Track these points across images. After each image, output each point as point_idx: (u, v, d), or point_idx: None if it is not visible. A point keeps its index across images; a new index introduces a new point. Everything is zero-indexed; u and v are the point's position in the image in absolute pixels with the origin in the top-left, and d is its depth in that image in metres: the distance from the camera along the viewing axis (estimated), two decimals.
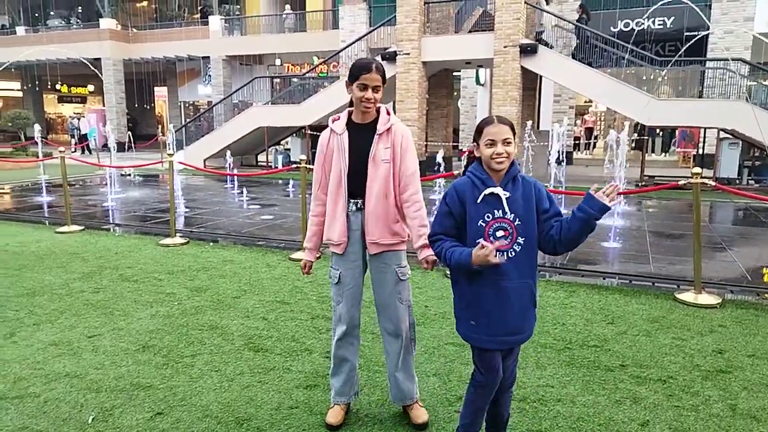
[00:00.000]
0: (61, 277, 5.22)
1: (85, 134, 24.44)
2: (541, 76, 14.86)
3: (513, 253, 2.12)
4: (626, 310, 4.31)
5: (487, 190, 2.12)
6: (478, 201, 2.13)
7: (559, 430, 2.64)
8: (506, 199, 2.11)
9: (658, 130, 20.34)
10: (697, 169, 4.43)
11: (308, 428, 2.66)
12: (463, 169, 2.33)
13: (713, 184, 4.67)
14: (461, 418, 2.35)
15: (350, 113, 2.60)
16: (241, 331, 3.88)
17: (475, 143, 2.19)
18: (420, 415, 2.66)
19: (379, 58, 14.17)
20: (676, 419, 2.74)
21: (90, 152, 22.37)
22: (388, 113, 2.57)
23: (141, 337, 3.77)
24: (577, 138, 21.26)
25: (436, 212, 2.27)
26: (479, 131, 2.15)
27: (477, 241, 2.08)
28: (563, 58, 13.24)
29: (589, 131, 22.69)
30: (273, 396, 2.97)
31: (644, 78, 14.02)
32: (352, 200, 2.57)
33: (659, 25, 17.48)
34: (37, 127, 12.55)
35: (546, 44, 13.57)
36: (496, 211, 2.12)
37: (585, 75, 12.68)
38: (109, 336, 3.79)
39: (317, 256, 2.78)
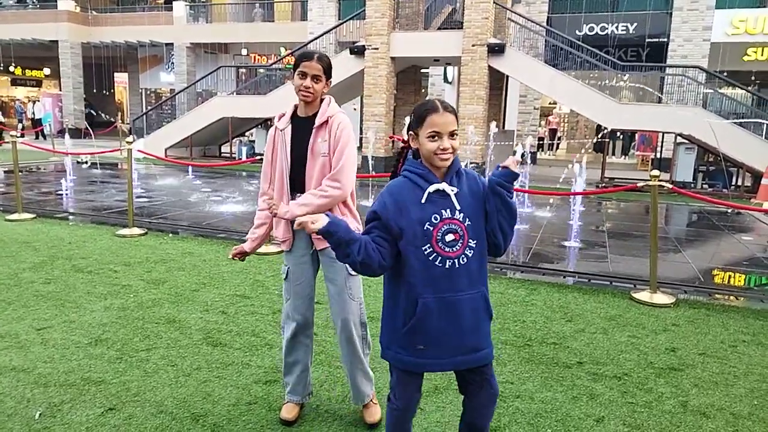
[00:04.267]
0: (10, 266, 5.00)
1: (40, 119, 23.53)
2: (507, 76, 15.03)
3: (464, 260, 1.84)
4: (584, 308, 4.39)
5: (432, 187, 1.83)
6: (423, 201, 1.82)
7: (518, 426, 2.67)
8: (455, 195, 1.84)
9: (618, 133, 20.90)
10: (656, 172, 4.54)
11: (266, 424, 2.61)
12: (395, 163, 2.01)
13: (670, 186, 4.80)
14: None
15: (296, 107, 2.57)
16: (199, 325, 3.78)
17: (412, 133, 1.89)
18: (372, 413, 2.63)
19: (347, 52, 14.11)
20: (630, 415, 2.80)
21: (45, 138, 21.55)
22: (329, 104, 2.51)
23: (94, 330, 3.64)
24: (541, 138, 21.63)
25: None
26: (420, 119, 1.84)
27: (423, 248, 1.81)
28: (530, 59, 13.42)
29: (552, 132, 23.13)
30: (231, 391, 2.90)
31: (607, 82, 14.37)
32: (299, 193, 2.50)
33: (622, 30, 17.91)
34: None
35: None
36: (443, 211, 1.82)
37: (550, 77, 12.88)
38: (59, 329, 3.64)
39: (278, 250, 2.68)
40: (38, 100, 25.58)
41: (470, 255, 1.85)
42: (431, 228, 1.82)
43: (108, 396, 2.82)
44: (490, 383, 1.98)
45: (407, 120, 2.25)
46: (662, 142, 15.17)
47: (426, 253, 1.82)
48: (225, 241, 6.29)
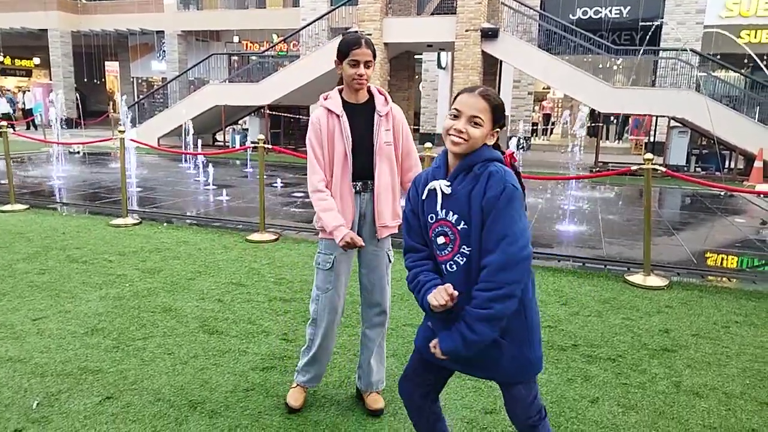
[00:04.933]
0: (4, 257, 4.97)
1: (30, 109, 23.30)
2: (501, 61, 14.97)
3: (453, 267, 1.69)
4: (579, 291, 4.42)
5: (430, 185, 1.73)
6: (424, 197, 1.75)
7: None
8: (443, 194, 1.70)
9: (612, 118, 20.91)
10: (649, 156, 4.55)
11: (264, 410, 2.62)
12: None
13: (663, 170, 4.81)
14: None
15: (340, 91, 2.50)
16: (195, 313, 3.79)
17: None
18: (378, 400, 2.64)
19: (340, 38, 14.01)
20: (624, 396, 2.83)
21: (35, 128, 21.36)
22: (382, 93, 2.51)
23: (89, 319, 3.64)
24: (535, 124, 21.61)
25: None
26: (454, 99, 1.75)
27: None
28: (523, 44, 13.36)
29: (546, 117, 23.10)
30: (228, 378, 2.92)
31: (600, 66, 14.34)
32: (354, 182, 2.46)
33: (615, 14, 17.83)
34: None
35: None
36: (439, 211, 1.71)
37: (544, 61, 12.84)
38: (55, 319, 3.64)
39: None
40: (28, 90, 25.30)
41: (461, 263, 1.68)
42: (427, 228, 1.74)
43: (105, 385, 2.82)
44: (514, 399, 1.82)
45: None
46: (656, 126, 15.19)
47: None
48: (220, 230, 6.28)
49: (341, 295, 2.59)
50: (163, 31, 23.50)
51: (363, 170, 2.47)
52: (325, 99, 2.50)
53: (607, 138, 21.45)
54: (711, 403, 2.78)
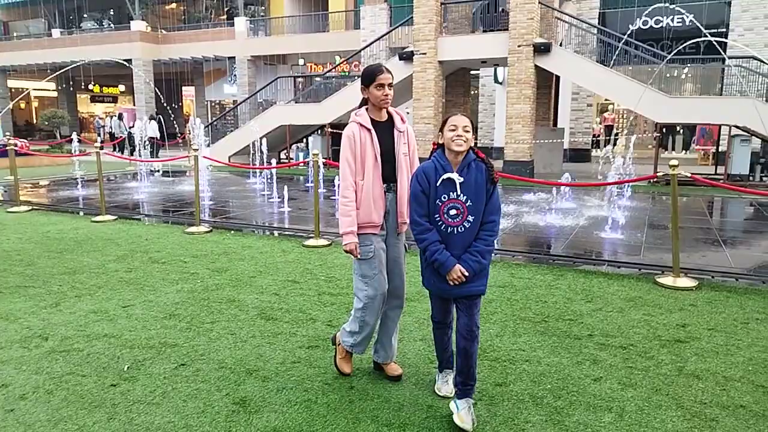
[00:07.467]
0: (98, 259, 5.80)
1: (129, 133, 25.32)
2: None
3: (462, 229, 2.60)
4: (607, 291, 4.68)
5: (445, 175, 2.57)
6: (438, 184, 2.59)
7: (522, 383, 3.06)
8: (459, 183, 2.57)
9: (678, 128, 20.37)
10: (674, 162, 4.76)
11: (307, 377, 3.13)
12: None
13: (689, 175, 4.98)
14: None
15: (367, 111, 3.02)
16: (255, 304, 4.37)
17: (440, 132, 2.66)
18: (398, 368, 3.12)
19: (396, 58, 14.66)
20: (626, 376, 3.13)
21: (122, 150, 23.25)
22: (398, 114, 3.06)
23: (168, 307, 4.30)
24: (596, 136, 21.37)
25: (411, 194, 2.70)
26: (444, 122, 2.64)
27: (434, 216, 2.61)
28: (576, 57, 13.49)
29: (609, 129, 22.75)
30: (279, 354, 3.45)
31: (668, 76, 14.13)
32: (384, 184, 2.97)
33: (678, 23, 17.54)
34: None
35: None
36: (451, 193, 2.57)
37: (598, 73, 12.91)
38: (140, 306, 4.32)
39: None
40: (114, 115, 27.56)
41: (467, 227, 2.59)
42: (440, 204, 2.60)
43: (180, 355, 3.43)
44: (472, 310, 2.67)
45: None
46: (719, 135, 14.80)
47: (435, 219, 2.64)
48: (279, 237, 6.92)
49: (386, 276, 3.05)
50: (234, 57, 25.12)
51: (388, 175, 2.99)
52: (358, 115, 3.01)
53: (673, 148, 20.92)
54: (708, 384, 3.03)
